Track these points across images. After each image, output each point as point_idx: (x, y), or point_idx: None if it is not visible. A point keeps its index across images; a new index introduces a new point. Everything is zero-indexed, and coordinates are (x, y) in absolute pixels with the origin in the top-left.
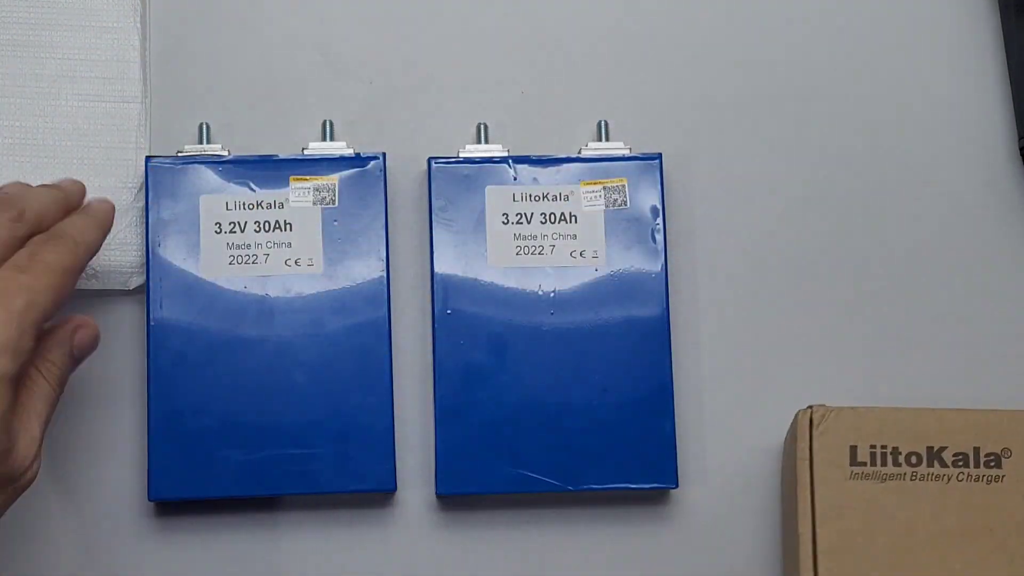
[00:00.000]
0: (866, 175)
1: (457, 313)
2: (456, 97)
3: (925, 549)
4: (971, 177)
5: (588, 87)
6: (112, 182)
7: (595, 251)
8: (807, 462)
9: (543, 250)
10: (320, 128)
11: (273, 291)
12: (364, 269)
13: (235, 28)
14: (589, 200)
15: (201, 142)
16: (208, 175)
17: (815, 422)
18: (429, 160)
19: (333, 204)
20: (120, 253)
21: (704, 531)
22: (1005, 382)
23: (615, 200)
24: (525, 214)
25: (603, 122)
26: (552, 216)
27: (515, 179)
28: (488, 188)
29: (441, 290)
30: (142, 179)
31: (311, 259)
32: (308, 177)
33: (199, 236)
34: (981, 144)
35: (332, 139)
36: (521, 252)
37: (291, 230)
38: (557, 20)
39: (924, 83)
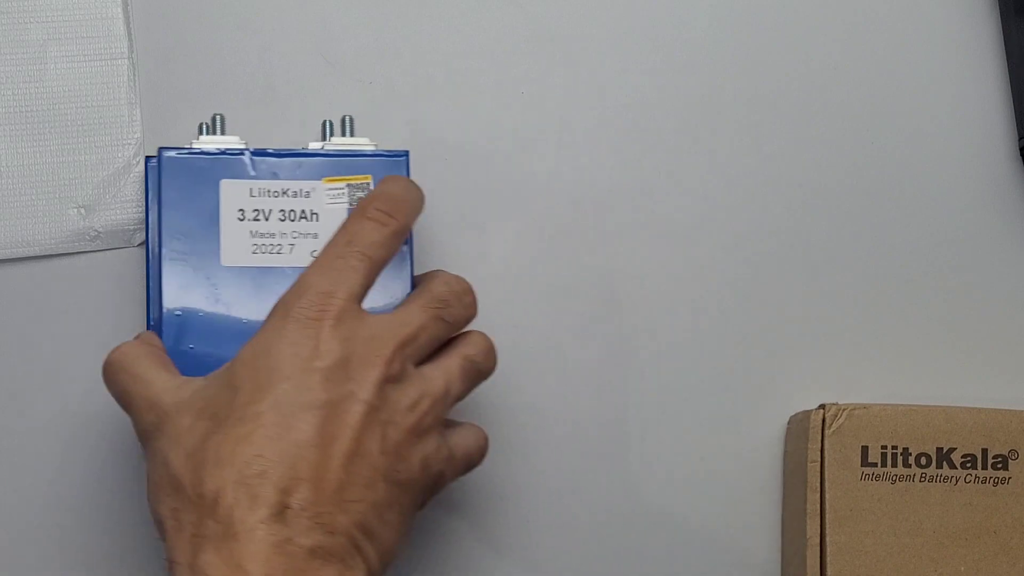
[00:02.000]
0: (866, 175)
1: (188, 313)
2: (456, 97)
3: (931, 551)
4: (971, 177)
5: (587, 87)
6: (108, 140)
7: None
8: (817, 464)
9: (281, 249)
10: (320, 126)
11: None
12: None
13: (233, 27)
14: (332, 197)
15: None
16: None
17: (827, 422)
18: (160, 150)
19: None
20: (121, 211)
21: (704, 531)
22: (1006, 382)
23: (359, 199)
24: (263, 210)
25: (347, 117)
26: (292, 213)
27: (253, 174)
28: (223, 182)
29: (172, 290)
30: (138, 135)
31: None
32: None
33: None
34: (981, 144)
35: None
36: (258, 251)
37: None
38: (558, 20)
39: (924, 83)
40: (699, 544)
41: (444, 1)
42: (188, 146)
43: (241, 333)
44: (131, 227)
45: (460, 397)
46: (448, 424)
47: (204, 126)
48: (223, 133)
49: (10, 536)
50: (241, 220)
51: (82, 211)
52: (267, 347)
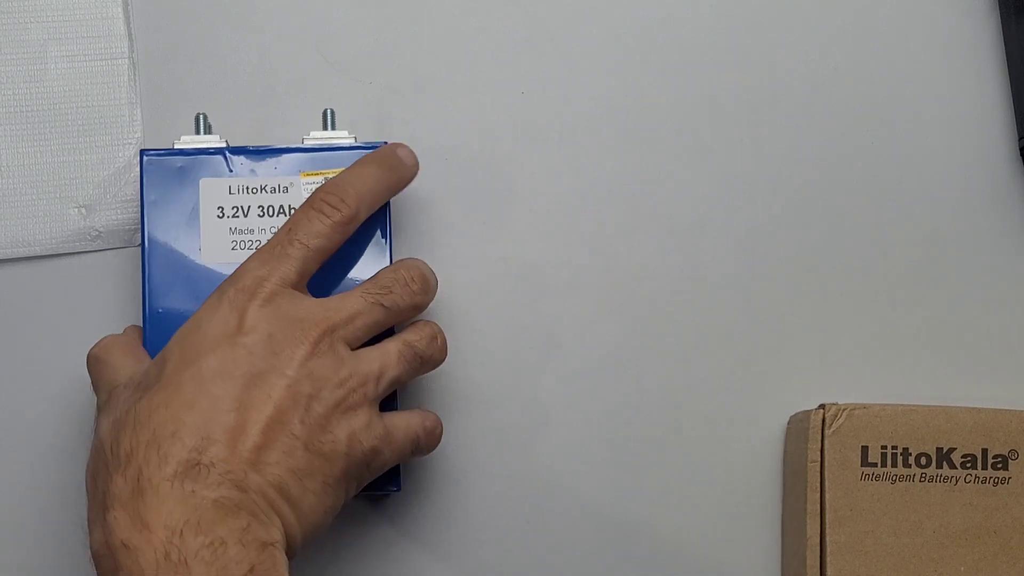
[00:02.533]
0: (866, 175)
1: (169, 309)
2: (456, 97)
3: (931, 551)
4: (971, 177)
5: (587, 87)
6: (108, 140)
7: None
8: (817, 464)
9: (260, 244)
10: (321, 118)
11: None
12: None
13: (233, 26)
14: (309, 192)
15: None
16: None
17: (827, 421)
18: (141, 153)
19: None
20: (122, 211)
21: (704, 531)
22: (1006, 382)
23: None
24: (242, 207)
25: (328, 111)
26: (270, 209)
27: (231, 171)
28: (202, 181)
29: (155, 287)
30: (139, 134)
31: None
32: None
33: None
34: (981, 144)
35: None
36: (237, 247)
37: None
38: (558, 20)
39: (924, 83)
40: (699, 544)
41: (444, 1)
42: (169, 147)
43: None
44: (131, 227)
45: (399, 381)
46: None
47: (201, 117)
48: (206, 132)
49: (11, 534)
50: (220, 217)
51: (83, 211)
52: (198, 324)
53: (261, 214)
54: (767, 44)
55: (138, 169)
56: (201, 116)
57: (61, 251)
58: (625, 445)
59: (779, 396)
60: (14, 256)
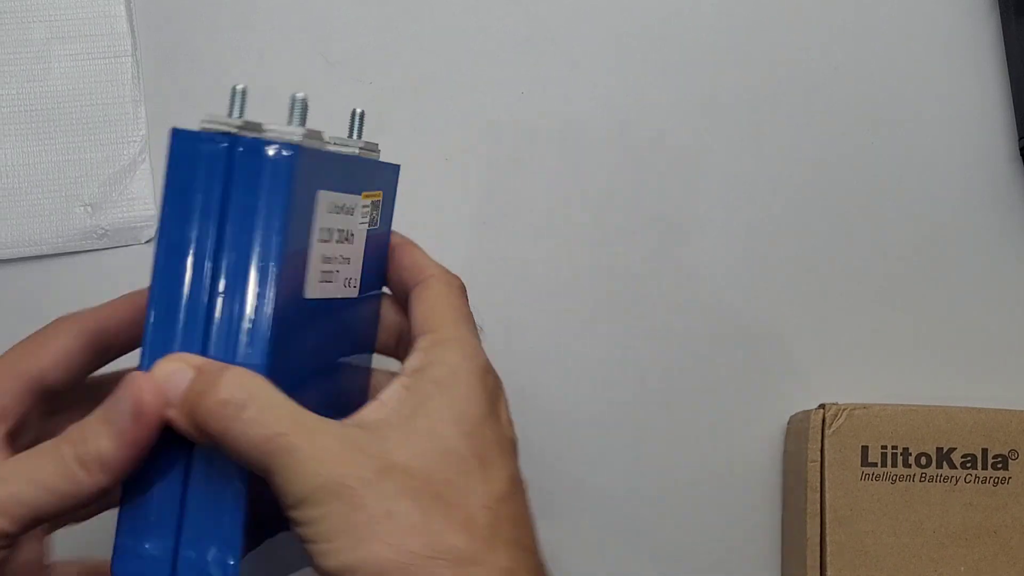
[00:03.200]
0: (867, 175)
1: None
2: (456, 97)
3: (931, 551)
4: (971, 177)
5: (588, 86)
6: (113, 138)
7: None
8: (817, 464)
9: (334, 277)
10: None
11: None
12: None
13: (234, 25)
14: (363, 216)
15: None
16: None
17: (827, 421)
18: (251, 143)
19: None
20: (128, 209)
21: (704, 530)
22: (1006, 382)
23: (375, 218)
24: (333, 230)
25: (359, 111)
26: (341, 233)
27: (336, 183)
28: (321, 194)
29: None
30: (143, 132)
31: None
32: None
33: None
34: (981, 144)
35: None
36: (324, 279)
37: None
38: (558, 20)
39: (924, 83)
40: (699, 544)
41: (444, 1)
42: (288, 140)
43: (307, 374)
44: (138, 224)
45: None
46: None
47: (234, 91)
48: (303, 123)
49: None
50: (325, 241)
51: (88, 209)
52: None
53: (339, 239)
54: (767, 44)
55: (143, 166)
56: (300, 100)
57: (67, 249)
58: (625, 445)
59: (779, 396)
60: (20, 255)
